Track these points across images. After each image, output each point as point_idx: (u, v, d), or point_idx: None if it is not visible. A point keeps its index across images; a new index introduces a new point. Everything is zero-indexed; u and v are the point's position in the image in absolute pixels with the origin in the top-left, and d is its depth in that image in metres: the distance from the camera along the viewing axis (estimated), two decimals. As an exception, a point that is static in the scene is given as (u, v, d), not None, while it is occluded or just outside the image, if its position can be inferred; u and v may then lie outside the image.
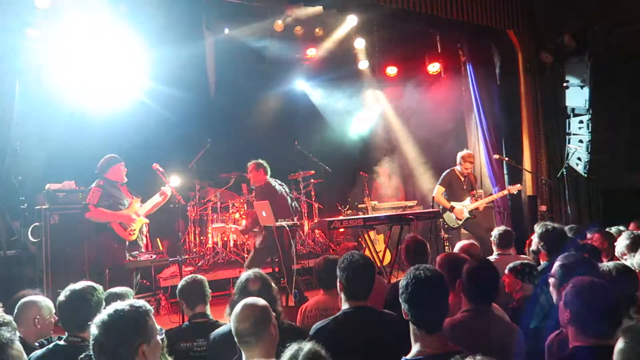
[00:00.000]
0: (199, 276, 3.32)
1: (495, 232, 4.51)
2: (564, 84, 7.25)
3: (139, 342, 1.86)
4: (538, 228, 4.04)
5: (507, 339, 2.50)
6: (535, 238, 4.31)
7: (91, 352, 1.87)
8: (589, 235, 5.11)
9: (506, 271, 3.34)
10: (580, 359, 1.86)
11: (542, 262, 3.88)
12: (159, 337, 1.97)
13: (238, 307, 2.28)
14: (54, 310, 3.02)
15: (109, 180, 5.09)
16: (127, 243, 5.09)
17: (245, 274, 2.93)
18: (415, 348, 2.01)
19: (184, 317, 4.77)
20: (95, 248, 4.99)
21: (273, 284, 2.94)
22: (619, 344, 1.73)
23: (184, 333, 3.06)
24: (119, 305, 1.93)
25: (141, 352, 1.86)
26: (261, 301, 2.32)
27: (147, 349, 1.88)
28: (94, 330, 1.87)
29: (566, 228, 5.00)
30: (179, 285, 3.29)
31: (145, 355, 1.86)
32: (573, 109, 7.30)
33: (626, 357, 1.69)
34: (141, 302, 1.99)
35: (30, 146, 7.00)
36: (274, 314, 2.40)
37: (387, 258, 7.04)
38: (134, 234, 5.13)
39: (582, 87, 7.07)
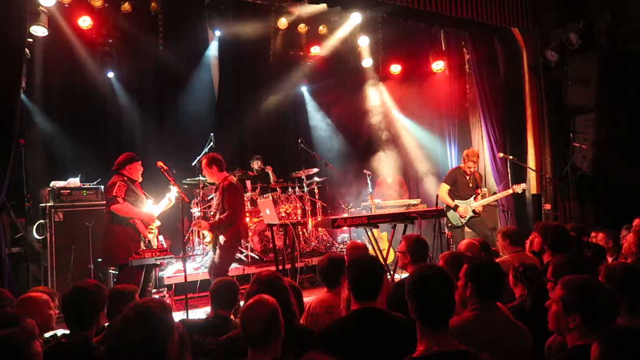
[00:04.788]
0: (235, 282, 3.33)
1: (504, 231, 4.48)
2: (569, 82, 7.21)
3: (169, 337, 1.89)
4: (540, 228, 4.02)
5: (516, 338, 2.49)
6: (536, 238, 4.29)
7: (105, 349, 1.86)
8: (593, 234, 5.09)
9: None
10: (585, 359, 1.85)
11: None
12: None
13: (248, 308, 2.25)
14: (51, 305, 3.02)
15: (129, 177, 5.11)
16: (146, 241, 5.12)
17: (259, 273, 2.90)
18: (421, 346, 2.01)
19: (187, 315, 4.83)
20: (112, 241, 4.98)
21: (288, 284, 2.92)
22: (596, 350, 1.69)
23: (200, 327, 3.09)
24: (144, 302, 1.93)
25: (170, 347, 1.88)
26: (271, 300, 2.29)
27: (173, 343, 1.91)
28: (125, 328, 1.87)
29: (570, 227, 5.00)
30: (213, 283, 3.30)
31: (170, 350, 1.88)
32: (578, 107, 7.27)
33: None
34: (161, 299, 2.00)
35: (35, 143, 7.06)
36: (289, 313, 2.40)
37: (391, 256, 7.03)
38: (152, 233, 5.17)
39: (587, 85, 7.04)
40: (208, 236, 5.54)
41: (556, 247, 3.64)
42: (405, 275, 2.70)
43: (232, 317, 3.22)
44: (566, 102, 7.38)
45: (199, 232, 7.42)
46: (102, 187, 6.15)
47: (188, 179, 7.59)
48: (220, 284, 3.26)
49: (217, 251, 5.38)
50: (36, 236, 6.05)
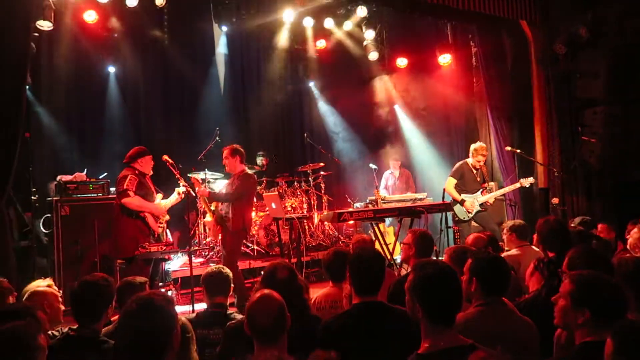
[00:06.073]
0: (226, 269, 3.37)
1: (511, 224, 4.45)
2: (578, 75, 7.14)
3: (172, 329, 1.87)
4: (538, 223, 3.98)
5: (522, 333, 2.47)
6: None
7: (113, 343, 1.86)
8: (599, 227, 5.05)
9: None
10: (596, 355, 1.82)
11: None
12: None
13: (257, 301, 2.23)
14: (60, 299, 3.04)
15: (140, 171, 5.11)
16: (156, 235, 5.14)
17: (273, 264, 2.89)
18: (426, 343, 1.99)
19: (193, 308, 4.84)
20: (122, 234, 4.99)
21: (299, 274, 2.91)
22: (610, 347, 1.67)
23: (201, 321, 3.08)
24: (147, 295, 1.93)
25: (174, 340, 1.87)
26: (277, 294, 2.28)
27: (176, 336, 1.90)
28: (127, 321, 1.87)
29: (577, 220, 4.96)
30: (205, 273, 3.32)
31: (173, 343, 1.87)
32: (587, 101, 7.20)
33: None
34: (163, 292, 2.00)
35: (41, 137, 7.09)
36: (302, 302, 2.45)
37: (397, 250, 7.02)
38: (162, 227, 5.18)
39: (596, 78, 6.96)
40: (208, 216, 5.55)
41: (545, 242, 3.61)
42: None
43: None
44: (575, 96, 7.30)
45: (204, 225, 7.45)
46: (109, 181, 6.17)
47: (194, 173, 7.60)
48: (210, 273, 3.28)
49: (225, 243, 5.40)
50: (43, 230, 6.08)
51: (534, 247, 4.32)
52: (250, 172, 5.59)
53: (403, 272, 5.52)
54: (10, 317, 1.95)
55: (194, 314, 3.30)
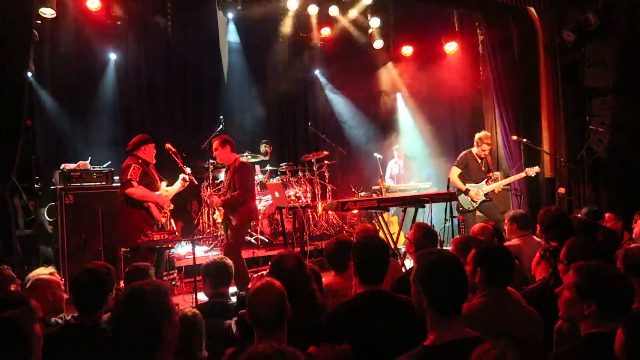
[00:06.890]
0: (227, 258, 3.37)
1: (512, 214, 4.41)
2: (586, 64, 7.03)
3: (161, 321, 1.84)
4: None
5: (527, 324, 2.45)
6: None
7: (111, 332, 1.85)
8: (606, 217, 5.00)
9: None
10: (602, 347, 1.79)
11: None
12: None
13: (257, 290, 2.21)
14: (62, 287, 3.06)
15: (143, 159, 5.09)
16: (159, 225, 5.13)
17: (280, 253, 2.86)
18: (432, 334, 1.97)
19: (196, 297, 4.84)
20: (126, 223, 4.99)
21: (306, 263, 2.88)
22: (621, 338, 1.65)
23: (204, 311, 3.07)
24: (138, 285, 1.91)
25: (164, 332, 1.83)
26: (278, 283, 2.25)
27: (169, 328, 1.86)
28: (116, 310, 1.86)
29: (584, 210, 4.91)
30: (207, 263, 3.31)
31: (166, 334, 1.84)
32: (595, 89, 7.09)
33: (630, 352, 1.61)
34: (159, 282, 1.97)
35: (44, 126, 7.08)
36: (310, 291, 2.49)
37: (402, 240, 6.99)
38: (166, 217, 5.18)
39: (605, 66, 6.86)
40: (219, 216, 5.54)
41: (548, 232, 3.62)
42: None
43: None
44: (583, 85, 7.20)
45: (208, 214, 7.45)
46: (112, 170, 6.16)
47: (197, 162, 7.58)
48: (212, 264, 3.29)
49: (229, 232, 5.40)
50: (47, 218, 6.10)
51: (535, 237, 4.29)
52: (244, 159, 5.56)
53: (406, 261, 5.50)
54: (5, 306, 1.93)
55: (197, 305, 3.29)
